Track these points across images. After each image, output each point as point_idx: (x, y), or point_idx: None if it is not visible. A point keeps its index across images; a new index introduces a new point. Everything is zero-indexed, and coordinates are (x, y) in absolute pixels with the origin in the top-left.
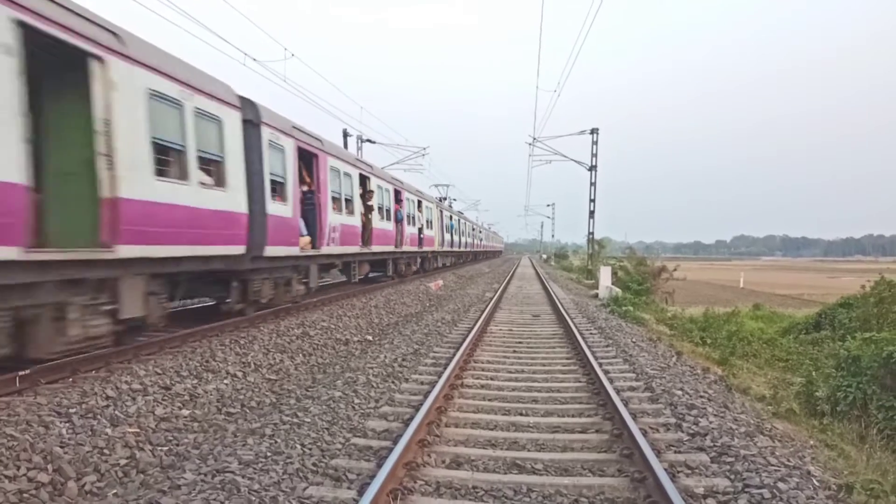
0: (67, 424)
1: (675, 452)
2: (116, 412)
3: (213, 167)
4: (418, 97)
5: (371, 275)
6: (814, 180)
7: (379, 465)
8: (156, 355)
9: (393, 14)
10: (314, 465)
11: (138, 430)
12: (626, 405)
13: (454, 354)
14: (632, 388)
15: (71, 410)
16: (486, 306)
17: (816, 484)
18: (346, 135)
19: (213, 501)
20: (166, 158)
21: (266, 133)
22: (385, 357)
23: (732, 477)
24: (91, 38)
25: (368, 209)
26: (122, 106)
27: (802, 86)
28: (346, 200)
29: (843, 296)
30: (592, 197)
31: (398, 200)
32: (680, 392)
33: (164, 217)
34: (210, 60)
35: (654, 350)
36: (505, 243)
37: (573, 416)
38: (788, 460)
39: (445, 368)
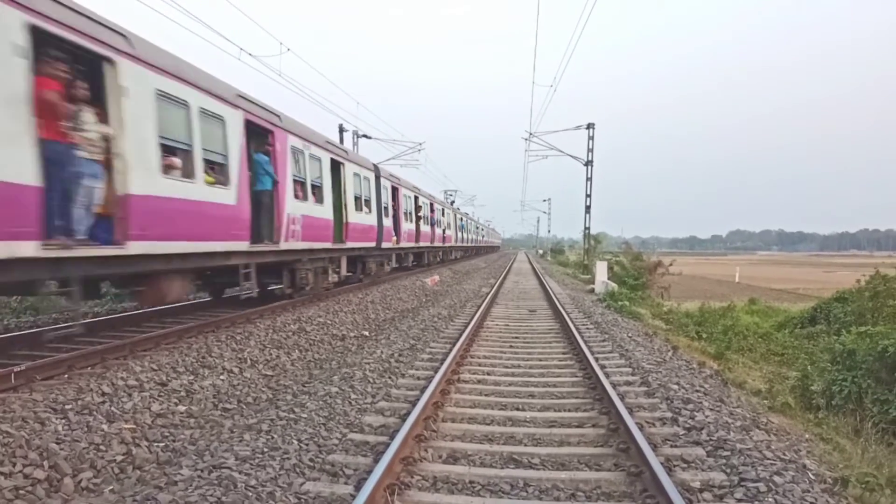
0: (63, 421)
1: (672, 447)
2: (113, 408)
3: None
4: (414, 93)
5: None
6: (810, 175)
7: (376, 461)
8: (152, 351)
9: (388, 3)
10: (311, 460)
11: (134, 427)
12: (622, 399)
13: (451, 350)
14: (628, 383)
15: (67, 407)
16: (483, 301)
17: (812, 477)
18: (342, 130)
19: (210, 497)
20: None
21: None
22: (382, 352)
23: (728, 471)
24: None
25: (418, 219)
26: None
27: (800, 80)
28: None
29: (838, 290)
30: (588, 192)
31: (432, 210)
32: (676, 386)
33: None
34: (205, 56)
35: (650, 345)
36: (502, 239)
37: (570, 410)
38: (784, 454)
39: (442, 364)
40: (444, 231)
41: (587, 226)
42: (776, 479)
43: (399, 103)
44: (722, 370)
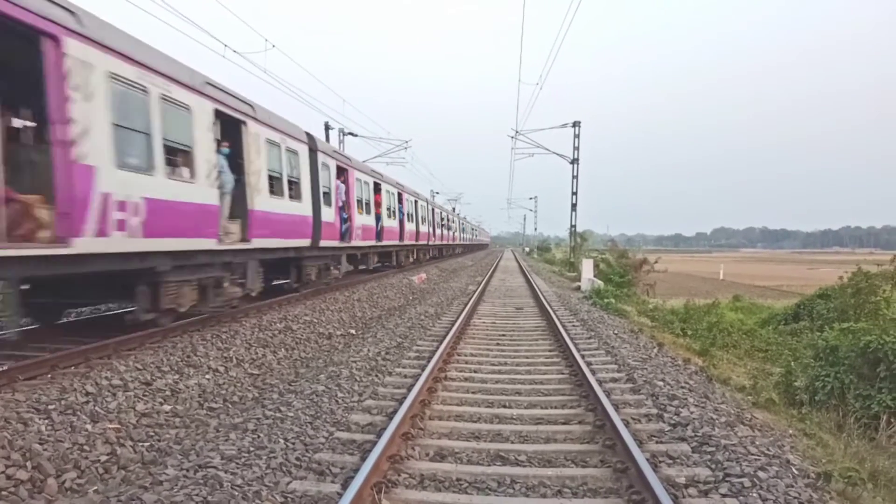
0: (46, 421)
1: (657, 443)
2: (97, 408)
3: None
4: (401, 91)
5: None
6: (793, 173)
7: (363, 459)
8: (136, 350)
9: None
10: (297, 459)
11: (119, 426)
12: (608, 396)
13: (437, 348)
14: (614, 380)
15: (50, 407)
16: (470, 299)
17: (796, 472)
18: (328, 128)
19: (196, 497)
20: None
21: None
22: (368, 351)
23: (713, 466)
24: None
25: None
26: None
27: (784, 81)
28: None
29: (821, 287)
30: (575, 190)
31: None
32: (661, 383)
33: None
34: (190, 53)
35: (635, 341)
36: (490, 237)
37: (556, 407)
38: (768, 449)
39: (429, 362)
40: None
41: (573, 223)
42: (760, 474)
43: (386, 101)
44: (707, 366)
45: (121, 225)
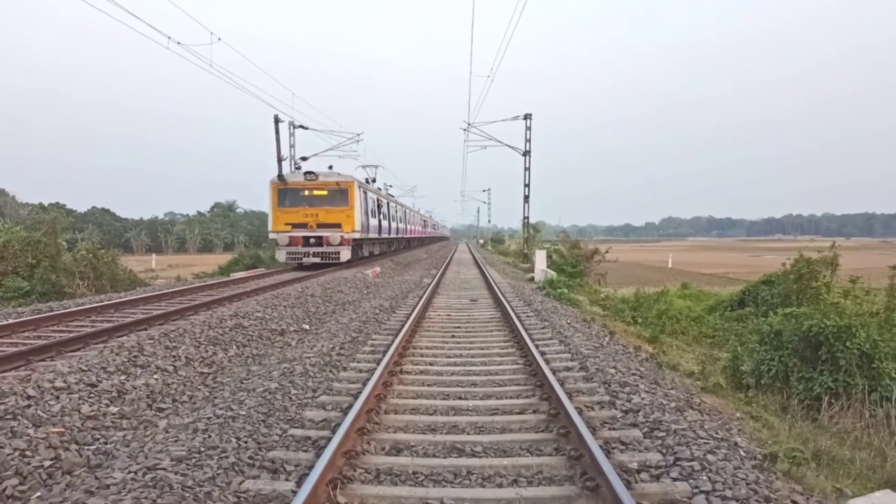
0: None
1: (610, 429)
2: (39, 412)
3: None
4: (353, 86)
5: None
6: (737, 162)
7: (318, 455)
8: (80, 351)
9: None
10: (250, 458)
11: (63, 430)
12: (562, 385)
13: (392, 341)
14: (567, 369)
15: None
16: (425, 292)
17: (743, 454)
18: (277, 121)
19: (144, 500)
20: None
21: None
22: (322, 346)
23: (664, 451)
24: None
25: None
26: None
27: (726, 66)
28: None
29: (765, 273)
30: (527, 182)
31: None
32: (613, 370)
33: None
34: (132, 45)
35: (588, 330)
36: (450, 230)
37: (511, 397)
38: (716, 433)
39: (384, 355)
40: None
41: (526, 215)
42: (709, 457)
43: (339, 96)
44: (657, 353)
45: (373, 229)
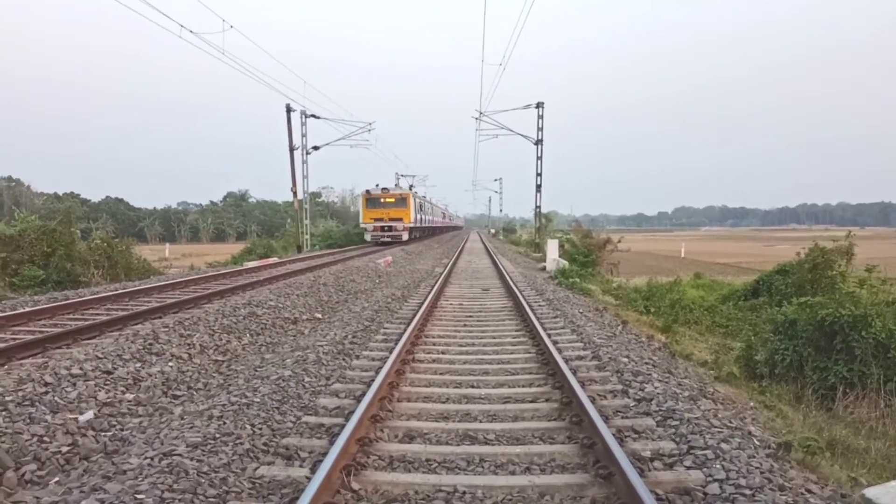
0: (3, 413)
1: (623, 418)
2: (56, 398)
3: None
4: (365, 74)
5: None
6: (751, 151)
7: (331, 442)
8: (96, 339)
9: None
10: (265, 444)
11: (78, 416)
12: (574, 374)
13: (405, 330)
14: (580, 357)
15: (7, 398)
16: (436, 281)
17: (757, 443)
18: (289, 110)
19: (161, 485)
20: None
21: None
22: (335, 335)
23: (678, 440)
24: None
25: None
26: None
27: (737, 53)
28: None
29: (779, 263)
30: (539, 171)
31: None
32: (626, 359)
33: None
34: (145, 33)
35: (600, 320)
36: (464, 220)
37: (524, 386)
38: (730, 422)
39: (396, 344)
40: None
41: (538, 204)
42: (723, 446)
43: (350, 84)
44: (670, 343)
45: (418, 221)
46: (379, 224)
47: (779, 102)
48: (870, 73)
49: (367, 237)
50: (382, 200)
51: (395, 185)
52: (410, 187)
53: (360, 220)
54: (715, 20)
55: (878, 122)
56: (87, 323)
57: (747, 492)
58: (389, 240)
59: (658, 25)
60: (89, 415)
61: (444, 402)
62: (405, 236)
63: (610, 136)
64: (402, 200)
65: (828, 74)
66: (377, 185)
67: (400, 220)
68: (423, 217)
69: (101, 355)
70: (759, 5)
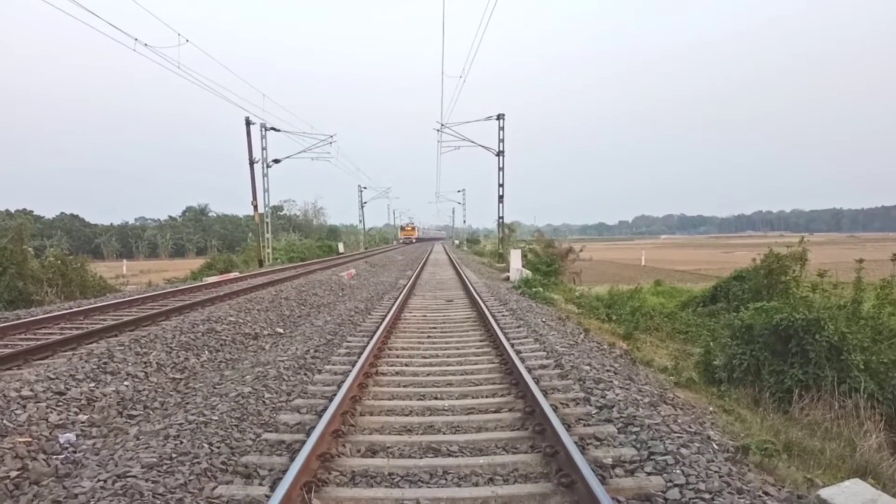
0: None
1: (585, 426)
2: (5, 422)
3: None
4: (327, 88)
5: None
6: (707, 162)
7: (292, 459)
8: (49, 359)
9: None
10: (223, 463)
11: (30, 440)
12: (537, 383)
13: (368, 343)
14: (542, 366)
15: None
16: (400, 293)
17: (716, 448)
18: (248, 123)
19: None
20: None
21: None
22: (297, 349)
23: (638, 446)
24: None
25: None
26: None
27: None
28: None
29: (736, 269)
30: (501, 182)
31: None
32: (588, 367)
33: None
34: (98, 48)
35: (563, 328)
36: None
37: (487, 396)
38: (690, 427)
39: (359, 357)
40: (416, 234)
41: (501, 215)
42: (683, 451)
43: (312, 99)
44: (631, 350)
45: (420, 234)
46: (407, 236)
47: (740, 116)
48: (824, 87)
49: (400, 240)
50: (406, 227)
51: (409, 220)
52: (411, 219)
53: (399, 235)
54: (671, 39)
55: (831, 134)
56: (38, 343)
57: (707, 496)
58: (410, 244)
59: (617, 45)
60: (70, 436)
61: (407, 415)
62: (414, 240)
63: (577, 151)
64: (413, 227)
65: (784, 88)
66: (409, 220)
67: (413, 233)
68: (422, 233)
69: (52, 376)
70: (703, 24)
